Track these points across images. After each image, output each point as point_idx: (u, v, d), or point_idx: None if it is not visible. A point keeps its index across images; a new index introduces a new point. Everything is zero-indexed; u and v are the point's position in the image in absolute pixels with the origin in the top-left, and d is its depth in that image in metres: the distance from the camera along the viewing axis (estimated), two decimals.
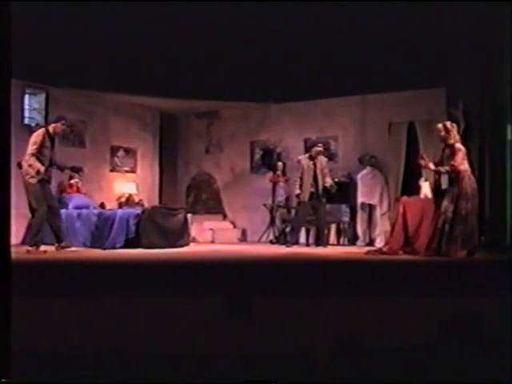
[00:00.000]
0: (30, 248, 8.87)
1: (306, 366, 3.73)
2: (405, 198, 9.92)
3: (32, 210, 9.05)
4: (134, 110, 14.08)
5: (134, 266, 7.66)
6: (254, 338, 4.33)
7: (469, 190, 8.19)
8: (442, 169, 8.40)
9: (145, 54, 11.42)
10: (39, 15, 9.44)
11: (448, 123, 8.54)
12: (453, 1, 10.04)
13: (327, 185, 11.12)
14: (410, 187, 11.42)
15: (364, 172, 12.30)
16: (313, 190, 11.10)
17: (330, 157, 12.25)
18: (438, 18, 10.42)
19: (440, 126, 8.51)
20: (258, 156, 14.15)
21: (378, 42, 11.12)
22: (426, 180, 10.63)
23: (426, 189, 10.15)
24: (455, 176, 8.29)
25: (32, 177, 8.87)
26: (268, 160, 13.84)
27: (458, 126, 8.92)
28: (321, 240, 11.27)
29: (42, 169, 8.88)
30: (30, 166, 8.86)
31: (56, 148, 9.41)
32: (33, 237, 9.03)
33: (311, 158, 11.20)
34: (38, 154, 8.94)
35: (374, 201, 12.26)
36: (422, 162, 8.67)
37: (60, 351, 3.91)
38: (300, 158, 11.47)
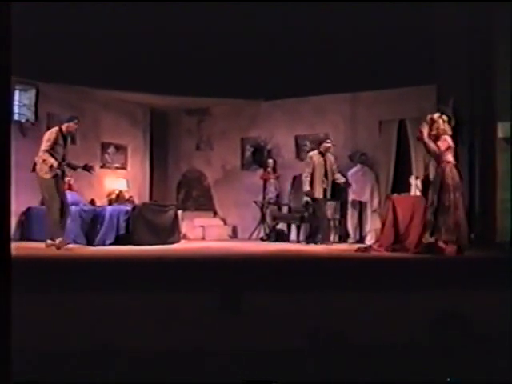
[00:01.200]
0: (49, 242, 9.15)
1: (298, 364, 3.73)
2: (395, 196, 9.94)
3: (47, 206, 9.31)
4: (125, 106, 14.04)
5: (125, 263, 7.65)
6: (245, 335, 4.33)
7: (450, 182, 8.27)
8: (431, 144, 8.45)
9: (135, 50, 11.40)
10: (29, 11, 9.38)
11: (436, 115, 8.61)
12: (450, 0, 10.06)
13: (340, 181, 11.15)
14: (400, 184, 11.43)
15: (354, 169, 12.31)
16: (325, 186, 11.04)
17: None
18: (428, 15, 10.45)
19: (428, 117, 8.61)
20: (248, 153, 14.13)
21: (369, 39, 11.13)
22: (417, 177, 10.66)
23: (416, 186, 10.17)
24: (438, 166, 8.39)
25: (46, 172, 9.10)
26: (259, 157, 13.83)
27: (450, 119, 8.94)
28: (323, 237, 11.06)
29: (56, 164, 9.06)
30: (44, 161, 9.08)
31: (68, 147, 9.56)
32: (51, 232, 9.24)
33: (321, 154, 11.16)
34: (51, 151, 9.14)
35: (365, 198, 12.27)
36: (419, 135, 8.72)
37: (48, 349, 3.90)
38: (311, 154, 11.28)
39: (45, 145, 9.16)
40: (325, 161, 11.08)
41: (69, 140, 9.57)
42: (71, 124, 9.44)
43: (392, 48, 10.94)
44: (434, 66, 10.59)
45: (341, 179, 11.17)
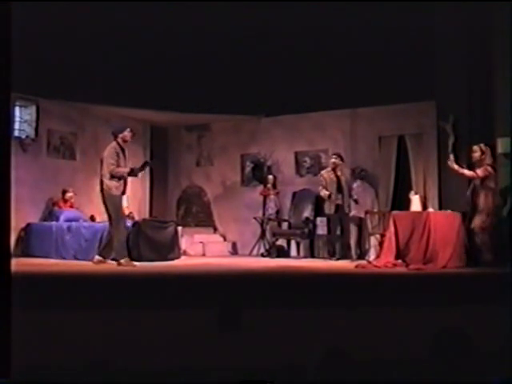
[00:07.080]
0: (121, 261, 9.10)
1: (298, 380, 3.73)
2: (395, 212, 9.94)
3: (113, 226, 9.27)
4: (125, 122, 13.99)
5: (125, 279, 7.63)
6: (244, 351, 4.32)
7: (482, 206, 9.13)
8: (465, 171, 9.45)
9: (135, 66, 11.44)
10: (29, 27, 9.42)
11: (482, 145, 9.41)
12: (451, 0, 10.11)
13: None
14: (400, 200, 11.44)
15: (354, 185, 12.29)
16: (339, 202, 11.03)
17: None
18: (427, 30, 10.50)
19: (476, 147, 9.40)
20: (248, 169, 14.12)
21: (368, 55, 11.17)
22: (416, 193, 10.66)
23: (416, 202, 10.16)
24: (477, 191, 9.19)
25: (116, 188, 9.22)
26: (258, 173, 13.80)
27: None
28: (348, 252, 11.22)
29: (121, 185, 9.30)
30: (112, 178, 9.19)
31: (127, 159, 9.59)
32: (121, 250, 9.24)
33: (333, 170, 11.16)
34: (116, 169, 9.21)
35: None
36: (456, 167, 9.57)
37: (47, 364, 3.89)
38: (322, 172, 11.40)
39: (110, 168, 9.16)
40: (337, 177, 11.10)
41: (126, 152, 9.47)
42: (126, 133, 9.38)
43: (392, 64, 10.98)
44: (433, 82, 10.62)
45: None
